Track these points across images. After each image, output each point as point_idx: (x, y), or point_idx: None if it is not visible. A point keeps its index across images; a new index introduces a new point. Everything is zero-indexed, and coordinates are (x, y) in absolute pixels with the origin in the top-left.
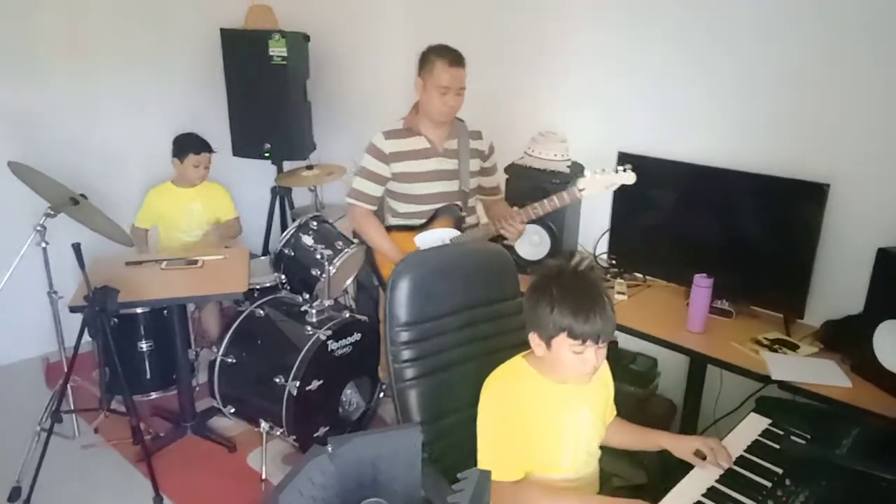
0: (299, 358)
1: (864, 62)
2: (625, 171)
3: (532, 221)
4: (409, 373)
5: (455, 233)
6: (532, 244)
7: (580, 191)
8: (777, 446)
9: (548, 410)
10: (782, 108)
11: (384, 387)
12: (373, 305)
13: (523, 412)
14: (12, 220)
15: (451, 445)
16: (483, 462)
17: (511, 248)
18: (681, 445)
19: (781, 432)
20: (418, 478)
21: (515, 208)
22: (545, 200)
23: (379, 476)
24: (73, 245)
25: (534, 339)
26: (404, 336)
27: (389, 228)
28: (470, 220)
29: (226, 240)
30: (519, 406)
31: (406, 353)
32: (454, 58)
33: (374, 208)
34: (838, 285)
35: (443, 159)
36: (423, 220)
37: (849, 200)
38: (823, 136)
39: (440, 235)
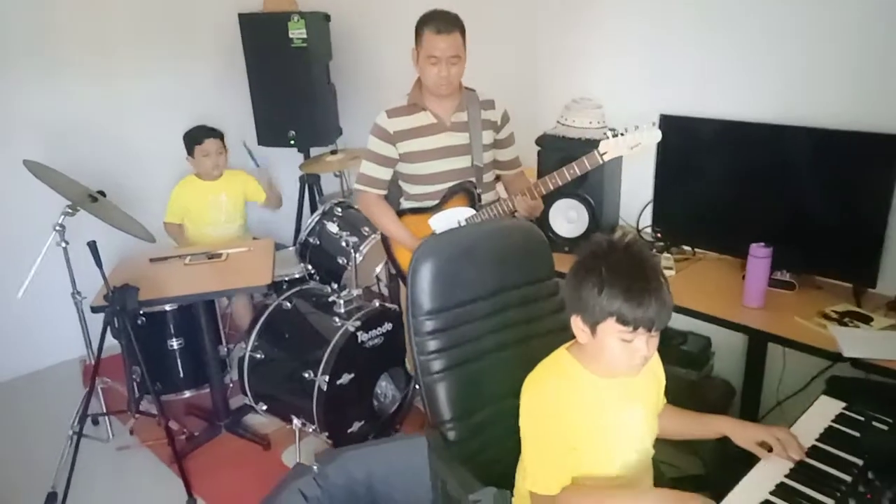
0: (328, 351)
1: None
2: (652, 126)
3: (564, 194)
4: (437, 365)
5: (470, 212)
6: (569, 220)
7: (602, 154)
8: (855, 433)
9: (595, 410)
10: (843, 50)
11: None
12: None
13: (567, 413)
14: (36, 221)
15: (488, 441)
16: (527, 470)
17: (547, 225)
18: (744, 434)
19: (860, 417)
20: (428, 496)
21: (532, 181)
22: (564, 169)
23: (377, 499)
24: (88, 243)
25: (577, 323)
26: (429, 325)
27: (403, 213)
28: (488, 196)
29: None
30: (562, 407)
31: (432, 344)
32: (442, 25)
33: (384, 192)
34: None
35: (452, 134)
36: (437, 201)
37: None
38: (891, 82)
39: (454, 215)
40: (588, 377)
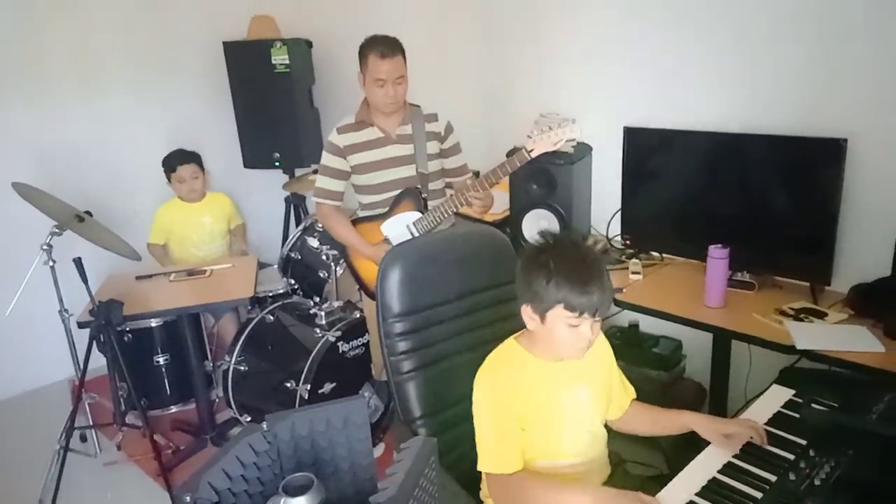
0: (309, 361)
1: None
2: (572, 122)
3: (536, 204)
4: (407, 365)
5: (417, 215)
6: (539, 230)
7: (529, 151)
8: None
9: (543, 392)
10: (790, 61)
11: (375, 386)
12: None
13: (518, 397)
14: (24, 241)
15: (458, 438)
16: (480, 454)
17: (519, 234)
18: (710, 427)
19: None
20: (369, 452)
21: (470, 181)
22: (497, 168)
23: (321, 454)
24: (74, 259)
25: (527, 311)
26: (398, 327)
27: (358, 221)
28: (437, 202)
29: (243, 244)
30: (513, 391)
31: (402, 345)
32: (385, 49)
33: (339, 203)
34: (866, 247)
35: (397, 146)
36: (387, 209)
37: (870, 155)
38: (837, 89)
39: (403, 220)
40: (535, 362)
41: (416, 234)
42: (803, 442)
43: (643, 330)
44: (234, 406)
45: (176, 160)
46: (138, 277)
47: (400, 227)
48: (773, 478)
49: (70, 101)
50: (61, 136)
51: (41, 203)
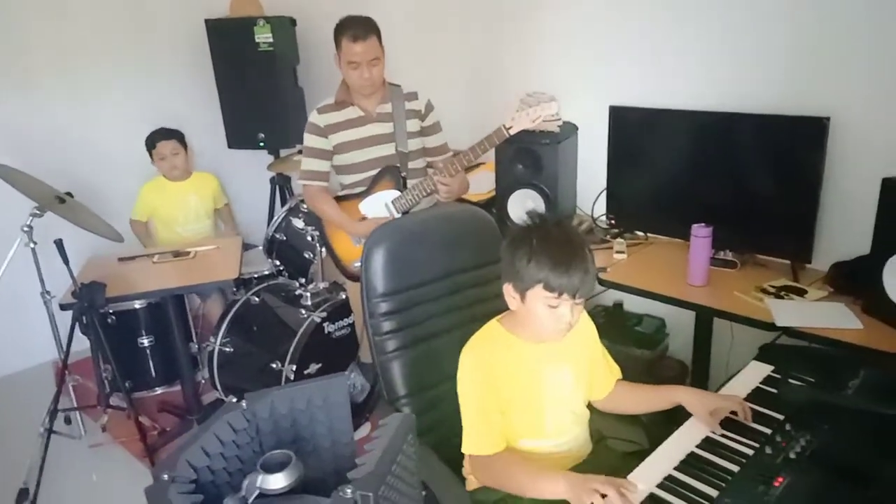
0: (294, 342)
1: None
2: (550, 99)
3: (522, 184)
4: (391, 345)
5: (395, 194)
6: (526, 210)
7: (507, 129)
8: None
9: (526, 373)
10: (773, 41)
11: (361, 366)
12: None
13: (500, 377)
14: (3, 223)
15: (442, 417)
16: (465, 434)
17: (505, 214)
18: (699, 401)
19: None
20: (349, 430)
21: (448, 157)
22: (475, 145)
23: (301, 432)
24: (55, 241)
25: (508, 290)
26: (383, 307)
27: (337, 200)
28: (416, 182)
29: (232, 225)
30: (495, 372)
31: (386, 325)
32: (357, 31)
33: (326, 184)
34: (846, 225)
35: (377, 124)
36: (366, 187)
37: (851, 133)
38: (820, 68)
39: (382, 198)
40: (518, 343)
41: (395, 213)
42: (781, 417)
43: (627, 309)
44: (219, 387)
45: (157, 137)
46: (121, 259)
47: (378, 205)
48: (750, 452)
49: (51, 83)
50: (42, 118)
51: (21, 184)
